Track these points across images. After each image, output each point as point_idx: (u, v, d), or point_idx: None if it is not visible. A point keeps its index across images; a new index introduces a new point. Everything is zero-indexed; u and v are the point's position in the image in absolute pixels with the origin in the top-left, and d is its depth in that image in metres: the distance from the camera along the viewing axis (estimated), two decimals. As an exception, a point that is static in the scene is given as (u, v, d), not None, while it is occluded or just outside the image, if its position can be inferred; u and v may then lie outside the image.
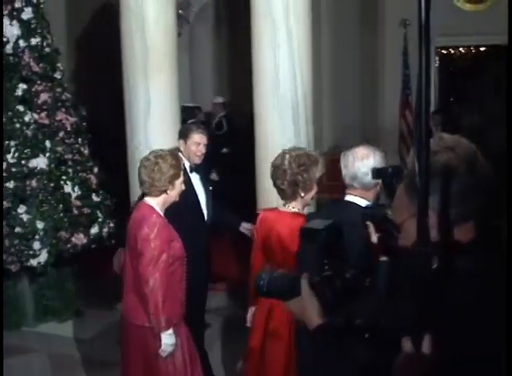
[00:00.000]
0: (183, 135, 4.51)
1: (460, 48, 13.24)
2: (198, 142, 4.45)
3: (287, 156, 3.35)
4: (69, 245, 5.48)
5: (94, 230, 5.68)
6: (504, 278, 1.49)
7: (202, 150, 4.44)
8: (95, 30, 9.28)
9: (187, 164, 4.42)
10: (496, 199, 1.58)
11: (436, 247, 1.49)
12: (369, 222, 2.08)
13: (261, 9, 4.67)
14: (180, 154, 4.48)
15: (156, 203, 3.56)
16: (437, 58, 10.72)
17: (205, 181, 4.62)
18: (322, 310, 1.59)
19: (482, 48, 12.89)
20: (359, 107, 10.22)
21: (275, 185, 3.41)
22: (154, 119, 5.13)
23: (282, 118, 4.67)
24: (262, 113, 4.79)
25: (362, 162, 2.90)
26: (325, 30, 10.16)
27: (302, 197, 3.37)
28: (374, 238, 2.26)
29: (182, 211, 3.89)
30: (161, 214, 3.57)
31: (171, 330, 3.46)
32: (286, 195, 3.38)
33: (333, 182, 11.02)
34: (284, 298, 1.68)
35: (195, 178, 4.52)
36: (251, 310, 3.74)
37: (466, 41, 11.30)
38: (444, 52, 11.84)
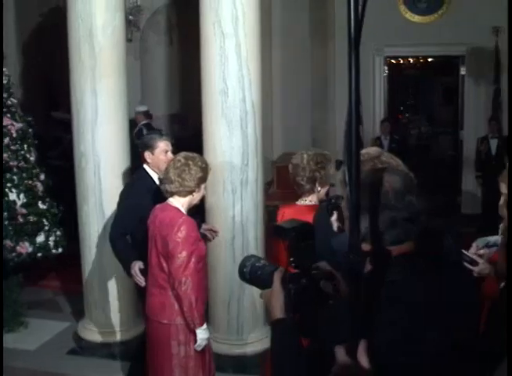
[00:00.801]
0: (148, 146, 4.40)
1: (409, 59, 13.53)
2: (166, 149, 4.40)
3: (305, 155, 3.63)
4: (14, 254, 5.36)
5: (40, 239, 5.56)
6: (437, 287, 1.52)
7: (170, 156, 4.36)
8: (44, 35, 9.12)
9: (155, 176, 4.38)
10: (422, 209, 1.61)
11: (368, 256, 1.52)
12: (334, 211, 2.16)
13: (209, 18, 4.65)
14: (146, 167, 4.42)
15: (182, 204, 3.69)
16: (386, 67, 10.89)
17: None
18: (285, 306, 1.62)
19: (430, 59, 13.20)
20: (309, 116, 10.31)
21: (294, 181, 3.66)
22: (102, 125, 5.05)
23: (230, 126, 4.67)
24: (211, 120, 4.78)
25: None
26: (276, 40, 10.22)
27: (319, 191, 3.65)
28: (335, 226, 2.31)
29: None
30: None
31: (205, 326, 3.67)
32: (305, 189, 3.65)
33: (283, 190, 11.11)
34: (262, 287, 1.73)
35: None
36: None
37: (414, 52, 11.51)
38: (393, 61, 12.06)
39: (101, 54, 5.01)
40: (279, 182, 9.87)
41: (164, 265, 3.61)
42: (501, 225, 3.17)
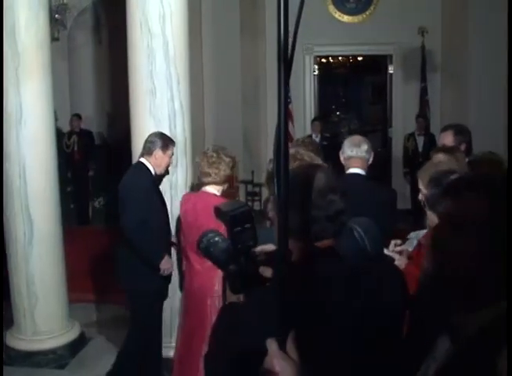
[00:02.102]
0: (163, 145, 4.46)
1: (339, 58, 13.72)
2: (172, 153, 4.55)
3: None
4: None
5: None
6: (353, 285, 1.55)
7: (172, 161, 4.62)
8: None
9: (153, 172, 4.52)
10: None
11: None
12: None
13: (136, 17, 4.58)
14: (146, 162, 4.47)
15: (217, 190, 4.12)
16: (316, 66, 11.02)
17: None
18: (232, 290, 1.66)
19: (359, 58, 13.42)
20: (241, 116, 10.34)
21: None
22: (27, 127, 4.89)
23: (158, 126, 4.60)
24: (139, 120, 4.70)
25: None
26: (206, 40, 10.21)
27: None
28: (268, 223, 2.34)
29: (162, 219, 4.47)
30: None
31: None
32: None
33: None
34: (216, 264, 1.74)
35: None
36: None
37: (343, 51, 11.69)
38: (323, 60, 12.21)
39: (24, 53, 4.86)
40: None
41: None
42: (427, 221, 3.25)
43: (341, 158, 4.03)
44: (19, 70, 4.86)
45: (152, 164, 4.47)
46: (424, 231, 3.40)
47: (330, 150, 9.53)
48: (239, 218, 1.63)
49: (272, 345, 1.35)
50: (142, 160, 4.50)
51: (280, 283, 1.36)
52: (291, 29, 1.23)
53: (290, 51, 1.25)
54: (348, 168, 3.96)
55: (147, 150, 4.47)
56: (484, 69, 10.12)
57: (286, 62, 1.28)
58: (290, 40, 1.22)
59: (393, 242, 3.26)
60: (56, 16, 8.16)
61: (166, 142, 4.47)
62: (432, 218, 3.00)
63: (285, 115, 1.35)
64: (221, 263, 1.70)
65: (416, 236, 3.46)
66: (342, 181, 4.11)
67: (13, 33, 4.81)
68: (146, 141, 4.50)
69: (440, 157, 4.07)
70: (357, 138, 4.17)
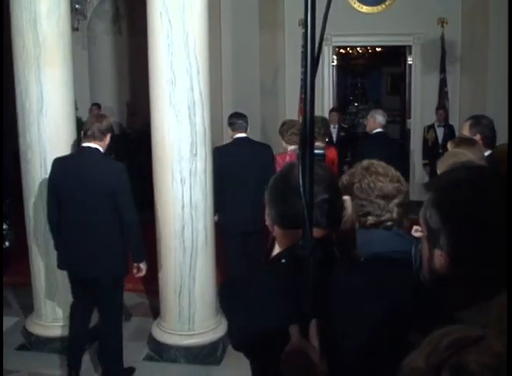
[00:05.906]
0: None
1: (358, 48, 13.66)
2: None
3: None
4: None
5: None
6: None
7: None
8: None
9: None
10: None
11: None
12: None
13: (156, 6, 4.59)
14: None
15: None
16: (335, 57, 10.98)
17: None
18: None
19: (378, 49, 13.36)
20: (259, 106, 10.33)
21: None
22: (47, 116, 4.93)
23: (178, 116, 4.62)
24: (158, 110, 4.72)
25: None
26: (225, 29, 10.20)
27: None
28: None
29: None
30: None
31: None
32: None
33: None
34: None
35: None
36: None
37: (362, 42, 11.63)
38: (342, 51, 12.15)
39: (45, 43, 4.89)
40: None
41: None
42: None
43: (371, 121, 6.36)
44: (41, 60, 4.90)
45: None
46: None
47: (347, 140, 9.56)
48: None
49: (294, 331, 1.37)
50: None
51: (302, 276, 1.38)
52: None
53: (317, 47, 1.27)
54: (376, 128, 6.28)
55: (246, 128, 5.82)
56: (504, 60, 10.01)
57: (313, 56, 1.29)
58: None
59: (415, 227, 3.27)
60: (76, 6, 8.21)
61: None
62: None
63: (312, 107, 1.36)
64: None
65: None
66: (371, 136, 6.31)
67: (35, 22, 4.85)
68: (242, 121, 5.81)
69: (449, 147, 4.20)
70: (382, 111, 6.64)
